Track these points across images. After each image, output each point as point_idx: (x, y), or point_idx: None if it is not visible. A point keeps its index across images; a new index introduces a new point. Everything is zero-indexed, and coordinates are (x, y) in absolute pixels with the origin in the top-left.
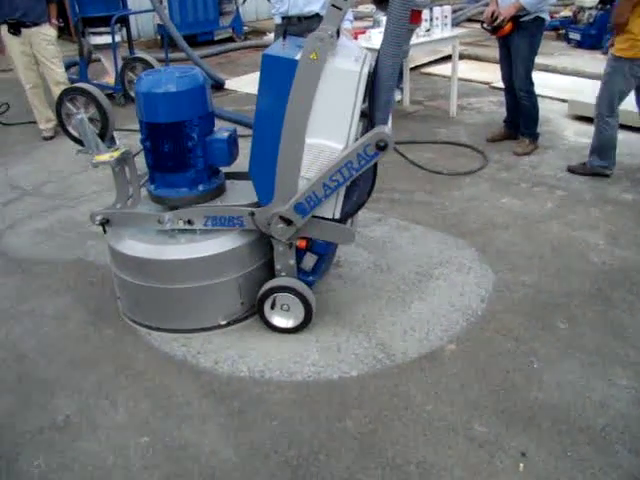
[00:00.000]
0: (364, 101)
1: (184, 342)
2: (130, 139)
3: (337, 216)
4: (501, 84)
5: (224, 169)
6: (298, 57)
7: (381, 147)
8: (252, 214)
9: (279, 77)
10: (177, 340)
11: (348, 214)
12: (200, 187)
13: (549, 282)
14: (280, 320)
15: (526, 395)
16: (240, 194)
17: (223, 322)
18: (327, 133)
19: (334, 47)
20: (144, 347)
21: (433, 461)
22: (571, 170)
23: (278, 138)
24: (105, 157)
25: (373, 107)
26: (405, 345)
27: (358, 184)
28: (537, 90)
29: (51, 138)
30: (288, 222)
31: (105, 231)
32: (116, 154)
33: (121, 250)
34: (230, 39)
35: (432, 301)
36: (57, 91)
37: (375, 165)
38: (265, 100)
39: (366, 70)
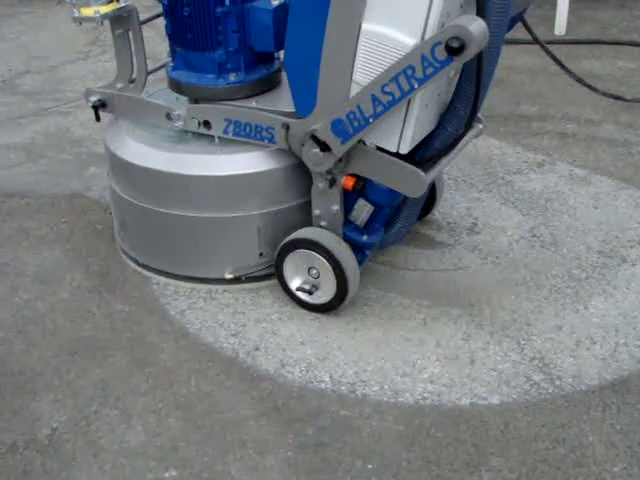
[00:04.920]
0: None
1: (235, 329)
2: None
3: (404, 150)
4: None
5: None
6: None
7: (453, 49)
8: (286, 127)
9: None
10: (226, 326)
11: (438, 150)
12: (232, 76)
13: None
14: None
15: None
16: None
17: (230, 276)
18: (394, 18)
19: None
20: (175, 333)
21: None
22: None
23: (324, 17)
24: (90, 11)
25: None
26: (578, 364)
27: (457, 105)
28: None
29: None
30: (324, 146)
31: (98, 118)
32: (106, 9)
33: (111, 147)
34: None
35: (624, 298)
36: None
37: (479, 71)
38: None
39: None
